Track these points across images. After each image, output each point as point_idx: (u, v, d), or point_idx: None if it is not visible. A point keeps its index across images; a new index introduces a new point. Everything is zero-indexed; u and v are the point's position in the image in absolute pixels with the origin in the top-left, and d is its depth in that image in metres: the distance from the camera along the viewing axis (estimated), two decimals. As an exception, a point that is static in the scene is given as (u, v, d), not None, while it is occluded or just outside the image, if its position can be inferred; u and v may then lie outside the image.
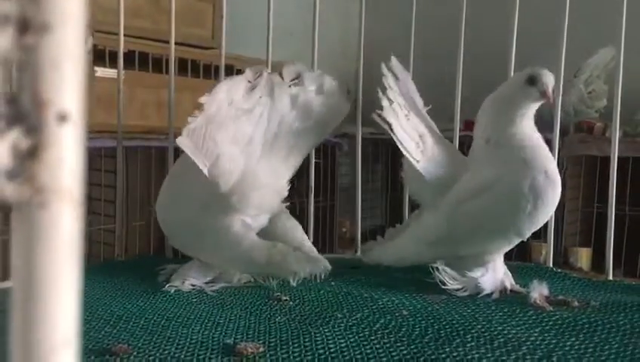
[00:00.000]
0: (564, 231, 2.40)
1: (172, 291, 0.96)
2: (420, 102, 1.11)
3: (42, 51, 0.17)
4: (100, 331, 0.77)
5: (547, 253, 1.19)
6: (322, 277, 0.98)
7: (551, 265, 1.15)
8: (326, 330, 0.77)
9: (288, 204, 1.06)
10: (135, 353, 0.70)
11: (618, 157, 2.21)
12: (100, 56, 1.77)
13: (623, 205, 2.30)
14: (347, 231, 3.02)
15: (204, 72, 2.06)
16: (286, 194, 1.01)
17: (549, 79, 0.95)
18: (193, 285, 0.98)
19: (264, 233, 1.01)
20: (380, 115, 0.98)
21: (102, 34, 1.72)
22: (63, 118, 0.17)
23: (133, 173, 2.08)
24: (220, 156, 0.92)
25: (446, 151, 1.06)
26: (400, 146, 0.99)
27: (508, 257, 1.09)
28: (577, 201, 2.42)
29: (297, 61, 1.09)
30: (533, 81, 0.95)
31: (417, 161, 1.01)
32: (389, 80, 1.01)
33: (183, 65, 2.01)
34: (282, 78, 1.05)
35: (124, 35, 1.79)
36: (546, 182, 0.93)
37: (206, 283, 0.99)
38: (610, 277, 1.08)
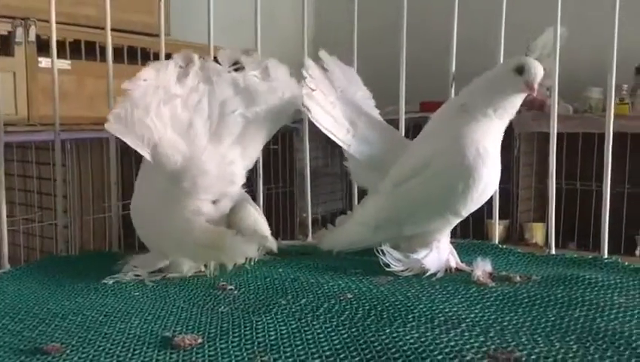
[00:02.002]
0: (519, 207, 2.45)
1: (111, 283, 0.94)
2: (359, 91, 1.12)
3: None
4: (33, 330, 0.75)
5: (494, 230, 1.21)
6: (256, 260, 0.97)
7: (496, 241, 1.17)
8: (268, 318, 0.77)
9: (247, 190, 1.05)
10: (68, 351, 0.68)
11: (568, 134, 2.27)
12: (44, 46, 1.72)
13: (574, 180, 2.35)
14: (307, 216, 3.03)
15: (155, 60, 2.02)
16: (240, 181, 1.01)
17: (537, 71, 0.94)
18: (137, 275, 0.97)
19: (229, 220, 1.01)
20: (303, 104, 1.00)
21: (45, 23, 1.66)
22: None
23: (85, 166, 2.03)
24: (158, 142, 0.92)
25: (382, 135, 1.07)
26: (325, 132, 1.02)
27: (464, 236, 1.11)
28: (531, 178, 2.47)
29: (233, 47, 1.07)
30: (521, 70, 0.95)
31: (348, 146, 1.03)
32: (309, 70, 1.02)
33: (133, 54, 1.96)
34: (219, 63, 1.03)
35: (69, 24, 1.74)
36: (478, 160, 0.94)
37: (153, 272, 0.98)
38: (553, 251, 1.10)
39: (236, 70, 1.04)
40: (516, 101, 0.97)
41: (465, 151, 0.95)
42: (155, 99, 0.93)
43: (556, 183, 1.15)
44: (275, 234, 1.07)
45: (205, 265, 0.98)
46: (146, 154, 0.92)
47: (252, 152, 1.04)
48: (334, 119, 1.03)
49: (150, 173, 0.97)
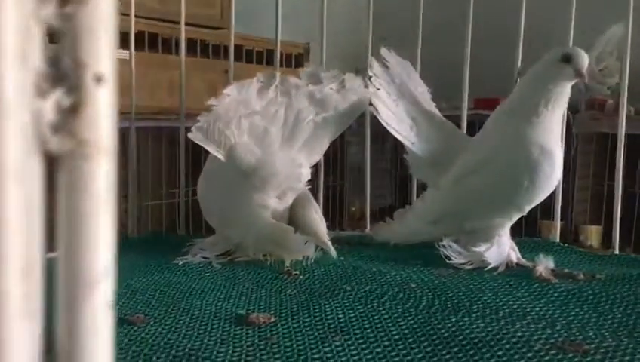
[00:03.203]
0: (575, 209, 2.40)
1: (181, 263, 0.99)
2: (418, 87, 1.13)
3: (80, 20, 0.19)
4: (117, 302, 0.80)
5: (554, 229, 1.20)
6: (311, 260, 1.00)
7: (557, 240, 1.16)
8: (335, 302, 0.79)
9: (310, 186, 1.09)
10: (152, 322, 0.72)
11: (629, 135, 2.22)
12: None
13: (633, 183, 2.30)
14: (357, 210, 3.05)
15: (214, 52, 2.07)
16: (306, 178, 1.05)
17: (584, 58, 0.94)
18: (205, 257, 1.02)
19: (289, 213, 1.06)
20: (370, 103, 1.04)
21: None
22: (98, 79, 0.20)
23: (144, 153, 2.11)
24: (234, 146, 0.98)
25: (444, 132, 1.09)
26: (391, 130, 1.04)
27: (517, 235, 1.11)
28: (588, 179, 2.42)
29: (311, 64, 1.11)
30: (568, 59, 0.94)
31: (412, 143, 1.06)
32: (374, 69, 1.06)
33: (192, 46, 2.01)
34: (300, 79, 1.09)
35: (134, 16, 1.80)
36: (542, 157, 0.95)
37: (219, 255, 1.03)
38: (617, 252, 1.09)
39: (314, 84, 1.08)
40: (566, 91, 0.97)
41: (530, 147, 0.96)
42: (236, 114, 0.98)
43: (614, 185, 1.14)
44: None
45: (264, 256, 1.02)
46: (220, 156, 0.98)
47: (318, 152, 1.09)
48: (398, 117, 1.06)
49: (221, 163, 1.02)
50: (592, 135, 2.33)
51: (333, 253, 1.03)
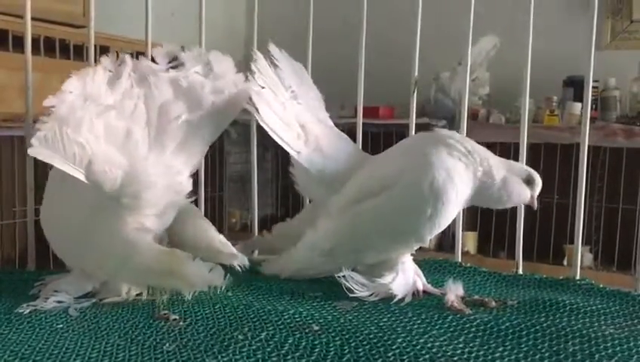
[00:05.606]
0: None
1: (27, 312, 0.79)
2: (311, 91, 1.02)
3: None
4: None
5: (458, 242, 1.14)
6: (222, 288, 0.85)
7: (459, 259, 1.10)
8: (225, 359, 0.65)
9: (194, 198, 0.94)
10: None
11: (500, 143, 2.29)
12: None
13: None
14: (237, 222, 2.89)
15: (75, 52, 1.86)
16: (188, 189, 0.89)
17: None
18: (59, 301, 0.82)
19: (172, 234, 0.90)
20: (249, 101, 0.89)
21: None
22: None
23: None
24: (92, 159, 0.78)
25: (337, 143, 0.97)
26: (273, 135, 0.90)
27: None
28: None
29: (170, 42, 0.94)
30: (531, 182, 0.92)
31: (298, 153, 0.93)
32: (259, 64, 0.91)
33: (51, 45, 1.79)
34: (156, 62, 0.91)
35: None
36: (447, 181, 0.85)
37: (78, 297, 0.84)
38: (521, 271, 1.05)
39: (174, 68, 0.92)
40: None
41: (434, 171, 0.85)
42: (86, 114, 0.79)
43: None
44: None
45: (151, 292, 0.85)
46: (79, 175, 0.77)
47: (196, 157, 0.93)
48: (284, 122, 0.92)
49: (72, 179, 0.81)
50: (469, 144, 2.36)
51: (244, 262, 0.88)
